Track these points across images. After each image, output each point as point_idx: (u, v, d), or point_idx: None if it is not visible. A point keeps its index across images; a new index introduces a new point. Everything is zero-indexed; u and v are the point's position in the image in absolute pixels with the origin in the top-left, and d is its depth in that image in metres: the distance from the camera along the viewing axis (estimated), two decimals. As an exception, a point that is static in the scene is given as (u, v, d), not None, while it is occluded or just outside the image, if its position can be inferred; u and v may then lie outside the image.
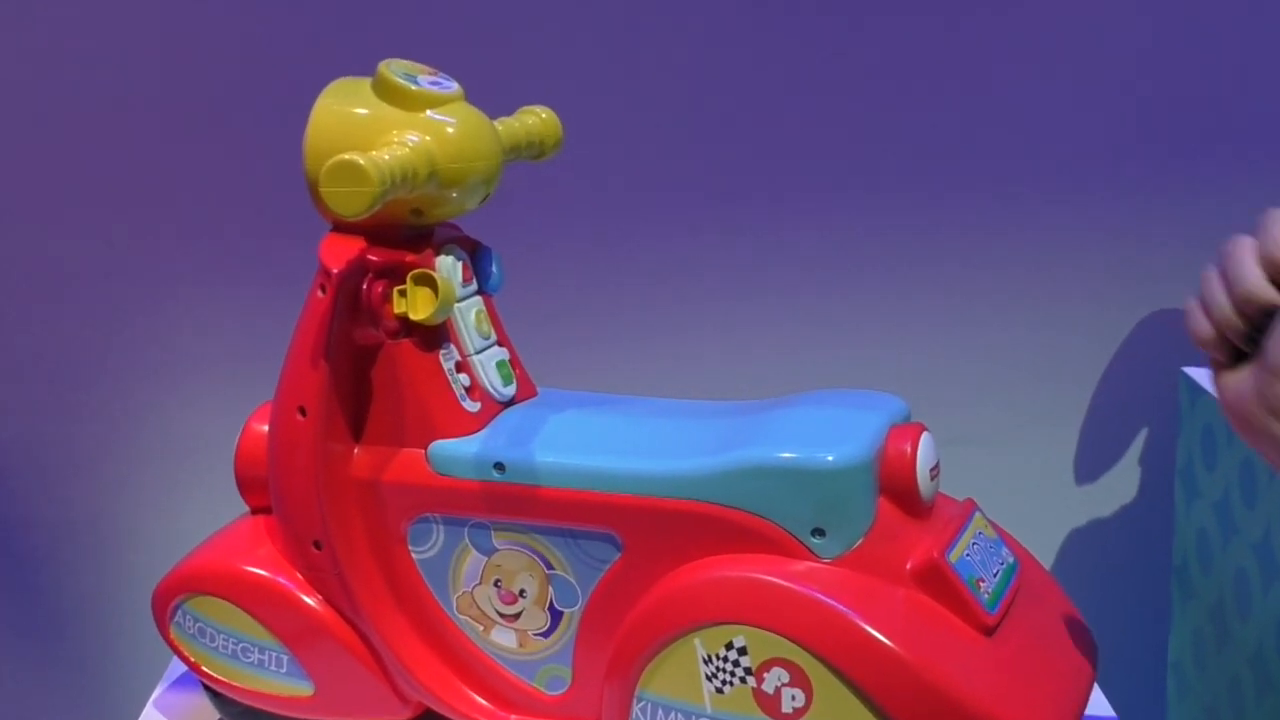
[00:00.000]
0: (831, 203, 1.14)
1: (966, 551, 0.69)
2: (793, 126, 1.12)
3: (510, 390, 0.78)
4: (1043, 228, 1.16)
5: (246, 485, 0.82)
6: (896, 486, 0.68)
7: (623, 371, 1.14)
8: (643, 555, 0.71)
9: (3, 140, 1.11)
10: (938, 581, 0.67)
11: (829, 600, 0.65)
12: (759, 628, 0.66)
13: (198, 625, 0.81)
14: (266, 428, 0.78)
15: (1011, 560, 0.72)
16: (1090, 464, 1.22)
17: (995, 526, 0.74)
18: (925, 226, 1.15)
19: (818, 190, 1.14)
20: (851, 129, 1.12)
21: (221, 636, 0.81)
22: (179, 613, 0.82)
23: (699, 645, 0.68)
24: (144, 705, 0.88)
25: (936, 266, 1.16)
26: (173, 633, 0.82)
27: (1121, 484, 1.22)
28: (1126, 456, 1.22)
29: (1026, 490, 1.18)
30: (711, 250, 1.14)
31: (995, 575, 0.70)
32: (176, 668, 0.92)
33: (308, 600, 0.78)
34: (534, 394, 0.80)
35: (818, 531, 0.68)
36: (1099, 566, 1.23)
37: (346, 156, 0.65)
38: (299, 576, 0.78)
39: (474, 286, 0.78)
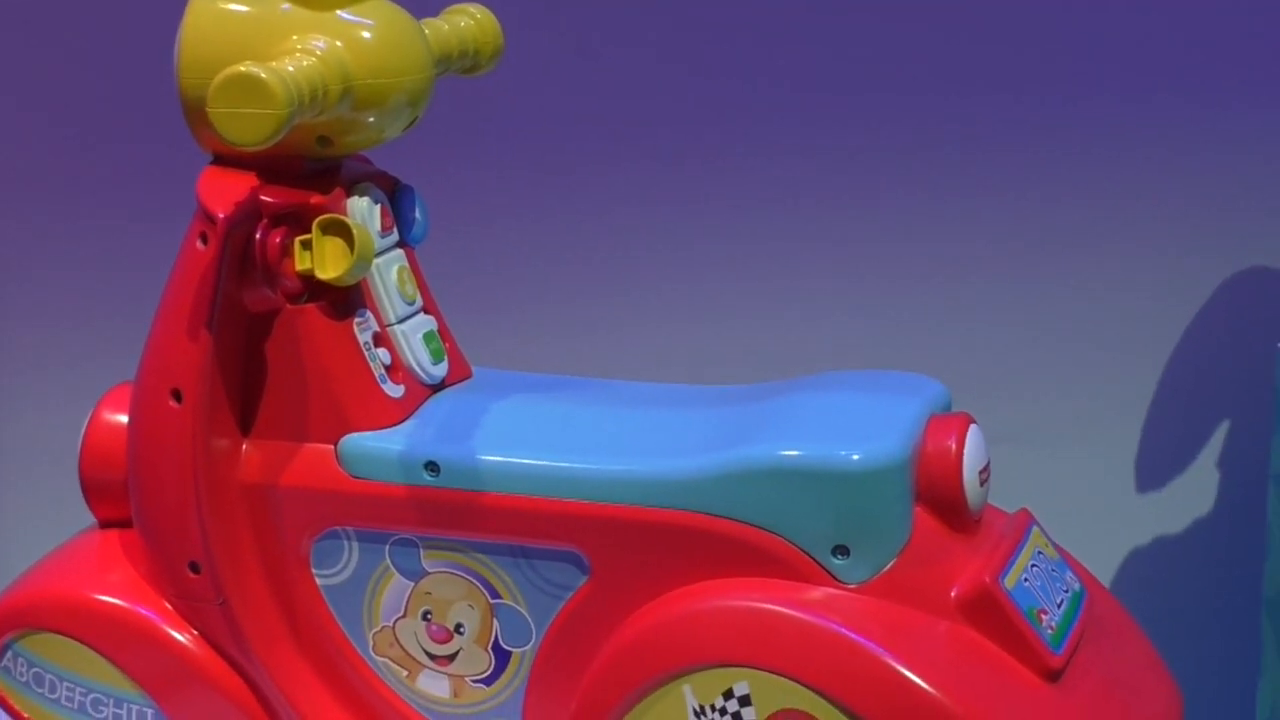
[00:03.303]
0: (854, 148, 1.16)
1: (1025, 575, 0.71)
2: (823, 54, 1.14)
3: (440, 370, 0.79)
4: (1104, 166, 1.19)
5: (96, 491, 0.83)
6: (938, 493, 0.70)
7: (584, 347, 1.15)
8: (615, 579, 0.72)
9: None
10: (990, 613, 0.68)
11: (854, 635, 0.67)
12: (766, 670, 0.68)
13: (33, 671, 0.82)
14: (124, 417, 0.79)
15: (1078, 587, 0.74)
16: (1162, 467, 1.24)
17: (1056, 545, 0.77)
18: (965, 177, 1.17)
19: (835, 129, 1.16)
20: (890, 75, 1.14)
21: (65, 685, 0.81)
22: (8, 654, 0.82)
23: (689, 694, 0.69)
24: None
25: (977, 223, 1.18)
26: (0, 681, 0.83)
27: (1200, 491, 1.25)
28: (1204, 457, 1.25)
29: (1086, 500, 1.21)
30: (702, 193, 1.16)
31: (1060, 605, 0.72)
32: None
33: (179, 637, 0.79)
34: (468, 375, 0.81)
35: (840, 550, 0.69)
36: (1171, 595, 1.26)
37: (244, 69, 0.66)
38: (167, 607, 0.79)
39: (394, 236, 0.79)
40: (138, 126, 0.98)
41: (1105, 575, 0.81)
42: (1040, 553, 0.74)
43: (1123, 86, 1.17)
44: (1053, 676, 0.69)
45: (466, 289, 0.89)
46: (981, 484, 0.71)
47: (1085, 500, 1.20)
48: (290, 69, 0.68)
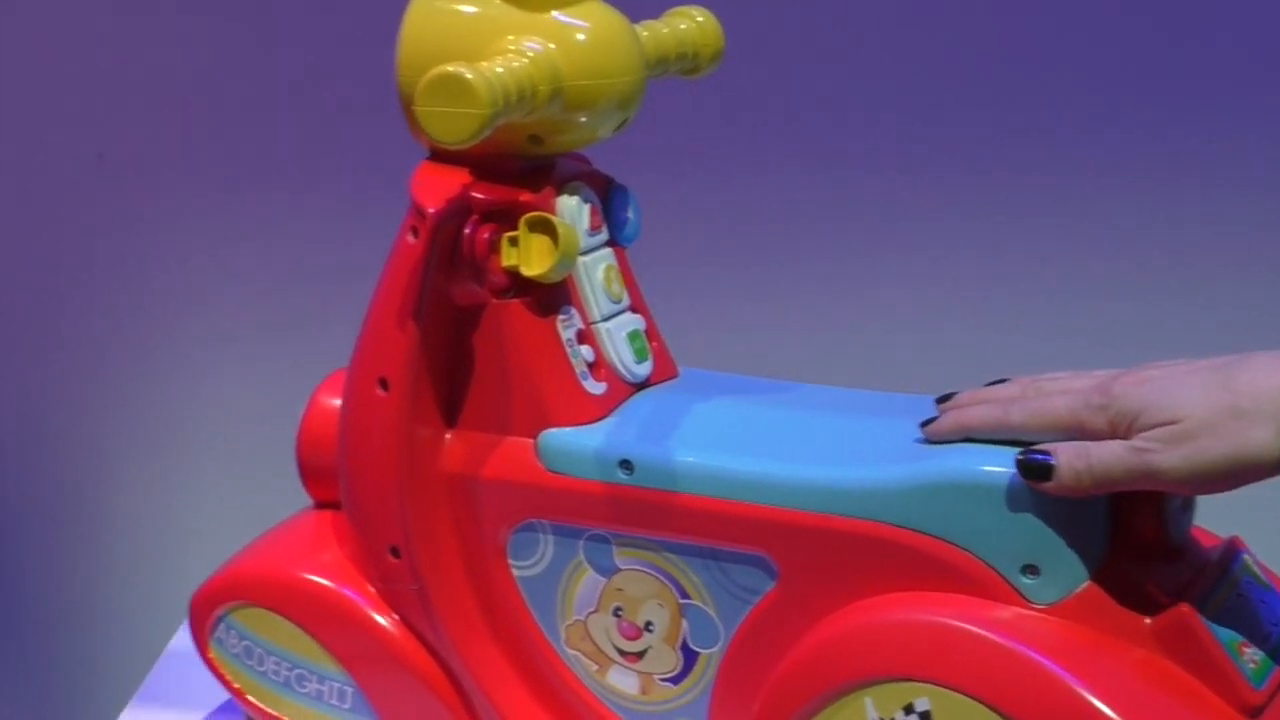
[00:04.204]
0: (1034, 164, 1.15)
1: (1227, 605, 0.69)
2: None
3: (644, 369, 0.80)
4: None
5: (311, 473, 0.86)
6: (1136, 517, 0.69)
7: (790, 352, 1.16)
8: (803, 586, 0.72)
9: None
10: (1186, 643, 0.67)
11: (1039, 657, 0.66)
12: (948, 688, 0.67)
13: (244, 643, 0.85)
14: (339, 402, 0.81)
15: (1289, 620, 0.72)
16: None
17: (1269, 573, 0.74)
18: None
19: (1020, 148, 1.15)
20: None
21: (272, 659, 0.84)
22: (221, 626, 0.86)
23: (870, 706, 0.69)
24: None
25: (1163, 235, 1.15)
26: (213, 650, 0.86)
27: None
28: None
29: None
30: (918, 193, 1.15)
31: (1268, 639, 0.70)
32: (155, 681, 0.97)
33: (380, 620, 0.81)
34: (674, 375, 0.82)
35: (1030, 569, 0.68)
36: None
37: (450, 69, 0.68)
38: (371, 590, 0.81)
39: (604, 236, 0.80)
40: (358, 123, 1.02)
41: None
42: (1250, 582, 0.72)
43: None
44: (1252, 713, 0.67)
45: (678, 289, 0.90)
46: (1183, 510, 0.70)
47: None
48: (499, 70, 0.69)
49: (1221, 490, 0.65)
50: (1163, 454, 0.64)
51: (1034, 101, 1.17)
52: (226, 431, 1.27)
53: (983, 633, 0.67)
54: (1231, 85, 1.17)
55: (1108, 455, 0.65)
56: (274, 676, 0.85)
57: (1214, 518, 0.74)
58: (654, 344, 0.82)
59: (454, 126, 0.68)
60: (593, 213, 0.79)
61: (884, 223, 1.16)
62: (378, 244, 0.79)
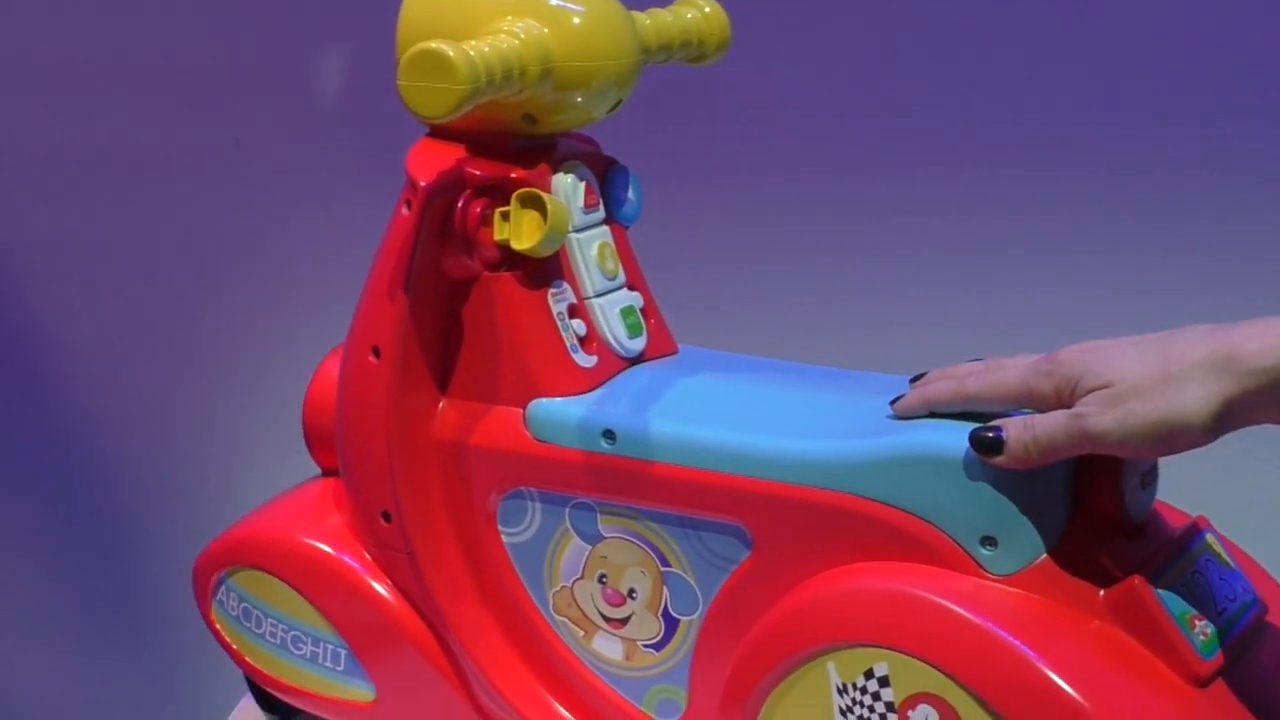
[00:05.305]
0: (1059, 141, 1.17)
1: (1182, 580, 0.71)
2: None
3: (637, 345, 0.83)
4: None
5: (316, 440, 0.89)
6: (1095, 493, 0.71)
7: (794, 333, 1.17)
8: (775, 556, 0.75)
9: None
10: (1138, 614, 0.69)
11: (996, 628, 0.68)
12: (906, 653, 0.70)
13: (242, 605, 0.88)
14: (343, 372, 0.84)
15: (1249, 599, 0.74)
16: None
17: (1236, 553, 0.76)
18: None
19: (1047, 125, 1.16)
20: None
21: (269, 621, 0.88)
22: (221, 588, 0.89)
23: (833, 671, 0.72)
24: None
25: (1142, 219, 1.16)
26: (214, 612, 0.90)
27: None
28: None
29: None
30: (921, 184, 1.17)
31: (1221, 614, 0.72)
32: None
33: (373, 585, 0.84)
34: (673, 351, 0.85)
35: (988, 540, 0.71)
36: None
37: (432, 45, 0.70)
38: (365, 555, 0.84)
39: (600, 214, 0.82)
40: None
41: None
42: (1209, 560, 0.73)
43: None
44: (1200, 683, 0.69)
45: (685, 269, 0.92)
46: (1143, 487, 0.72)
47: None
48: (485, 49, 0.72)
49: (1156, 455, 0.68)
50: (1097, 417, 0.66)
51: (1057, 93, 1.18)
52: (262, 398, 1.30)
53: (940, 601, 0.70)
54: (1232, 84, 1.18)
55: (1050, 424, 0.68)
56: (270, 638, 0.88)
57: (1217, 507, 0.76)
58: (651, 321, 0.84)
59: (433, 101, 0.71)
60: (588, 191, 0.81)
61: (892, 210, 1.18)
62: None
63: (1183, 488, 0.78)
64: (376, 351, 0.80)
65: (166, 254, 1.31)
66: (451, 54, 0.70)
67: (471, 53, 0.71)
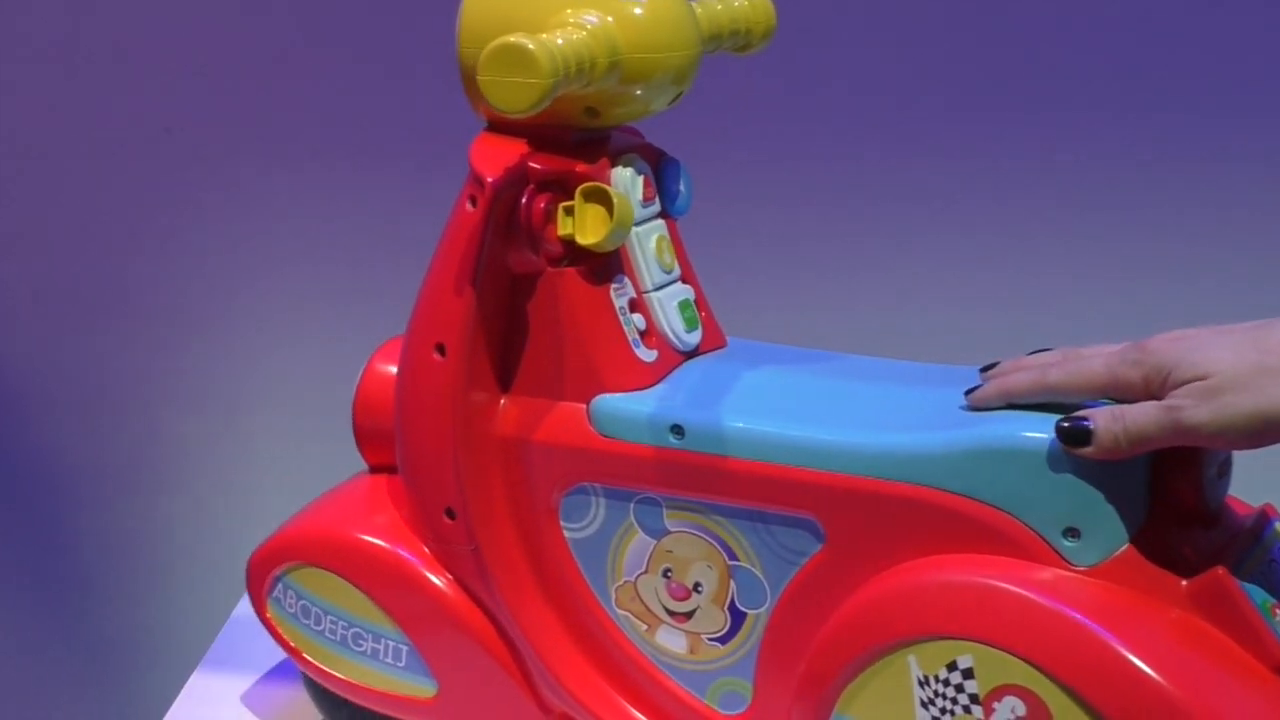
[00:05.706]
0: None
1: (1260, 568, 0.72)
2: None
3: (694, 338, 0.83)
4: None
5: (366, 438, 0.89)
6: (1173, 484, 0.71)
7: (835, 325, 1.18)
8: (849, 548, 0.75)
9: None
10: (1221, 603, 0.69)
11: (1085, 619, 0.69)
12: (991, 645, 0.70)
13: (300, 603, 0.88)
14: (394, 369, 0.84)
15: (1322, 586, 0.75)
16: None
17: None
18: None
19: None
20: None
21: (329, 618, 0.88)
22: (278, 586, 0.89)
23: (914, 664, 0.72)
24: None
25: (1187, 212, 1.17)
26: (270, 610, 0.90)
27: None
28: None
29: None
30: (970, 173, 1.17)
31: (1299, 602, 0.72)
32: (221, 646, 1.00)
33: (435, 580, 0.84)
34: (722, 344, 0.85)
35: (1071, 532, 0.71)
36: None
37: (513, 39, 0.70)
38: (426, 551, 0.85)
39: (656, 207, 0.83)
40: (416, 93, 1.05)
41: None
42: (1282, 548, 0.74)
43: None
44: (1284, 672, 0.70)
45: (728, 261, 0.92)
46: (1219, 477, 0.73)
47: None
48: (560, 42, 0.72)
49: (1251, 447, 0.68)
50: (1192, 410, 0.67)
51: (1096, 80, 1.19)
52: (288, 400, 1.30)
53: (1022, 592, 0.70)
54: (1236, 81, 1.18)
55: (1141, 416, 0.68)
56: (330, 635, 0.88)
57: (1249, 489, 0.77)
58: (703, 314, 0.84)
59: (516, 96, 0.71)
60: (646, 184, 0.82)
61: (933, 200, 1.18)
62: (433, 215, 0.82)
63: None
64: (441, 349, 0.80)
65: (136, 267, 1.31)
66: (533, 47, 0.70)
67: (550, 46, 0.71)
